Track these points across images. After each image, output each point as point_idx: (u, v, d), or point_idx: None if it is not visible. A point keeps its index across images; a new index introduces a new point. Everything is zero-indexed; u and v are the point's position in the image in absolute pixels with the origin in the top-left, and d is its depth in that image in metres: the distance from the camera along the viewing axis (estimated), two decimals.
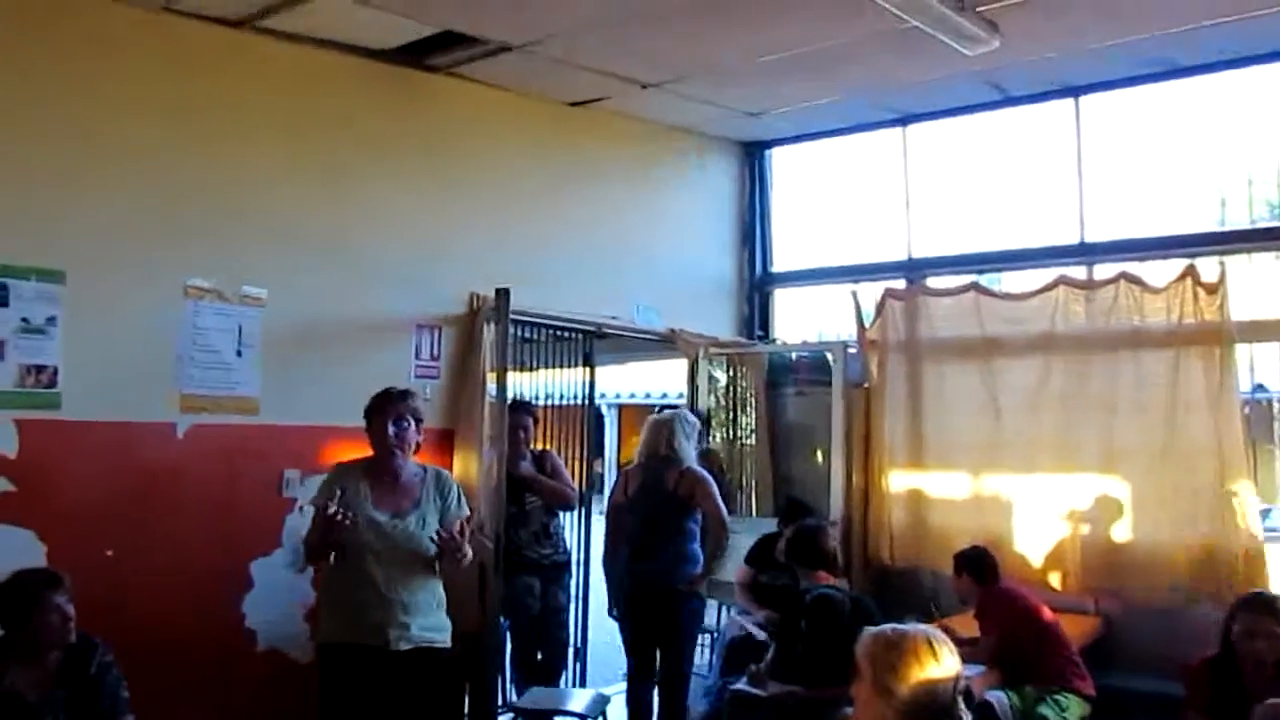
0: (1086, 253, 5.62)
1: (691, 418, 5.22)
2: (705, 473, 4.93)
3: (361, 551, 3.54)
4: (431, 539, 3.58)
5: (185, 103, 4.25)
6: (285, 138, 4.56)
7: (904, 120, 6.16)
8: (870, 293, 5.98)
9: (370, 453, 3.70)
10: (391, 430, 3.61)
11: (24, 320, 3.77)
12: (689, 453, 4.96)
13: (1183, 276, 4.96)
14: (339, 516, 3.40)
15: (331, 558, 3.60)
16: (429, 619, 3.63)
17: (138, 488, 4.06)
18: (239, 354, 4.33)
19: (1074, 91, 5.58)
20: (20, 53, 3.84)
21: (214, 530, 4.22)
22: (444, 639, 3.68)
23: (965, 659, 3.65)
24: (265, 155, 4.48)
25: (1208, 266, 4.96)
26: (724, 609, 5.90)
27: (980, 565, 4.62)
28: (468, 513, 3.78)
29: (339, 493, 3.51)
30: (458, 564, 3.60)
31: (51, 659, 3.32)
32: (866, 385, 5.84)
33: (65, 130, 3.92)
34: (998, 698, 4.16)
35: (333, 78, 4.73)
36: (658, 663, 4.84)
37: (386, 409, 3.63)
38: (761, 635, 4.76)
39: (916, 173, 6.22)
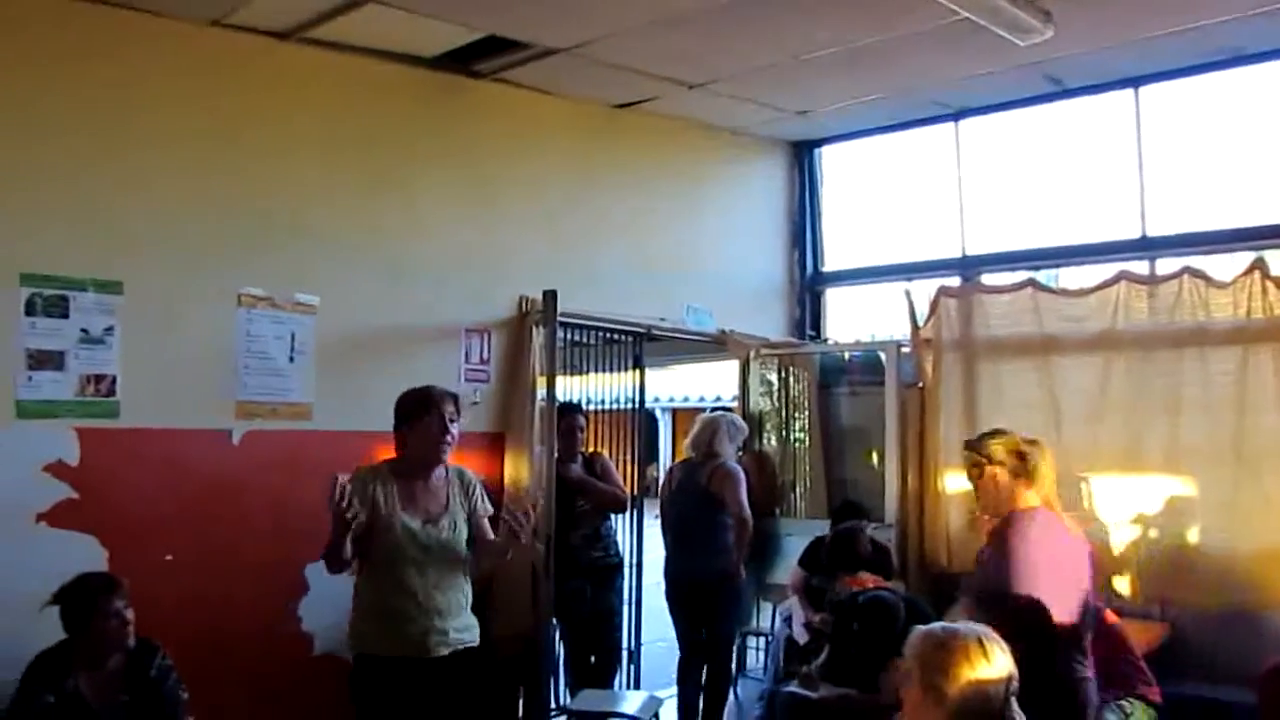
0: (1148, 247, 5.47)
1: (740, 421, 5.30)
2: (736, 469, 5.17)
3: (398, 560, 3.46)
4: (486, 535, 3.56)
5: (236, 115, 4.33)
6: (334, 146, 4.62)
7: (956, 115, 6.06)
8: (923, 291, 5.88)
9: (392, 455, 3.60)
10: (451, 428, 3.53)
11: (83, 331, 3.86)
12: (729, 453, 5.22)
13: (1250, 270, 4.79)
14: (349, 514, 3.24)
15: (354, 564, 3.49)
16: (461, 619, 3.59)
17: (195, 494, 4.13)
18: (292, 360, 4.39)
19: (1133, 82, 5.44)
20: (75, 70, 3.93)
21: (270, 535, 4.28)
22: (475, 638, 3.63)
23: None
24: (315, 164, 4.54)
25: (1276, 260, 4.80)
26: (777, 612, 5.84)
27: None
28: (492, 510, 3.71)
29: (379, 502, 3.45)
30: (516, 544, 3.51)
31: (113, 663, 3.39)
32: (920, 385, 5.73)
33: (120, 144, 4.01)
34: None
35: (379, 86, 4.79)
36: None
37: (444, 403, 3.54)
38: (802, 639, 4.71)
39: (970, 168, 6.12)
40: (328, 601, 4.40)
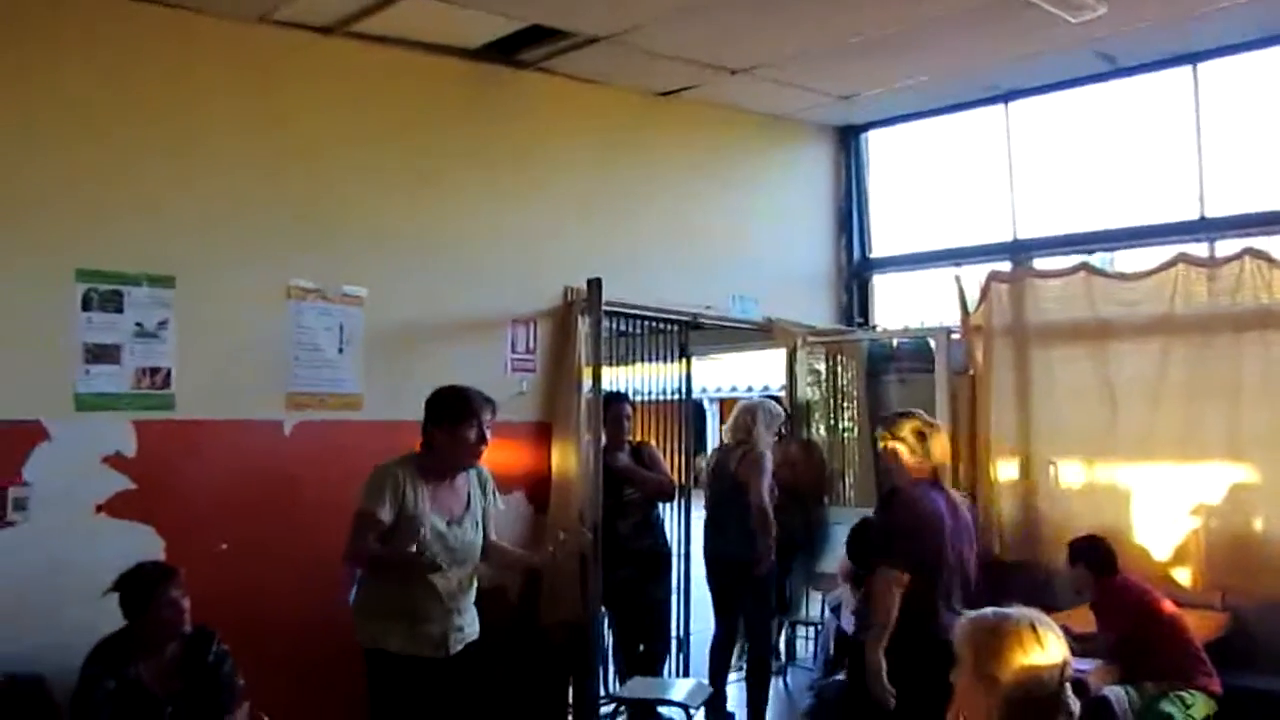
0: (1207, 228, 5.34)
1: (775, 408, 5.32)
2: (763, 456, 5.18)
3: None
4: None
5: (283, 110, 4.37)
6: (379, 139, 4.65)
7: (1005, 97, 5.95)
8: (974, 276, 5.80)
9: (414, 449, 3.62)
10: (474, 438, 3.55)
11: (138, 325, 3.93)
12: (763, 439, 5.23)
13: None
14: (424, 557, 3.33)
15: None
16: (471, 614, 3.65)
17: (248, 484, 4.19)
18: (341, 352, 4.44)
19: (1191, 58, 5.30)
20: (126, 69, 4.00)
21: (321, 524, 4.29)
22: (477, 631, 3.68)
23: (1081, 654, 3.52)
24: (360, 157, 4.58)
25: None
26: (826, 601, 5.81)
27: (1097, 555, 4.44)
28: (503, 506, 3.77)
29: (408, 501, 3.47)
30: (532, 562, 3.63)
31: (170, 649, 3.45)
32: (971, 372, 5.65)
33: (172, 141, 4.07)
34: (1115, 693, 3.98)
35: (423, 78, 4.81)
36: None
37: (477, 416, 3.55)
38: (851, 628, 4.67)
39: (1020, 151, 6.01)
40: None
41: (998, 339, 5.57)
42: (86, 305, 3.82)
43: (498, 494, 3.77)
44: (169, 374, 3.99)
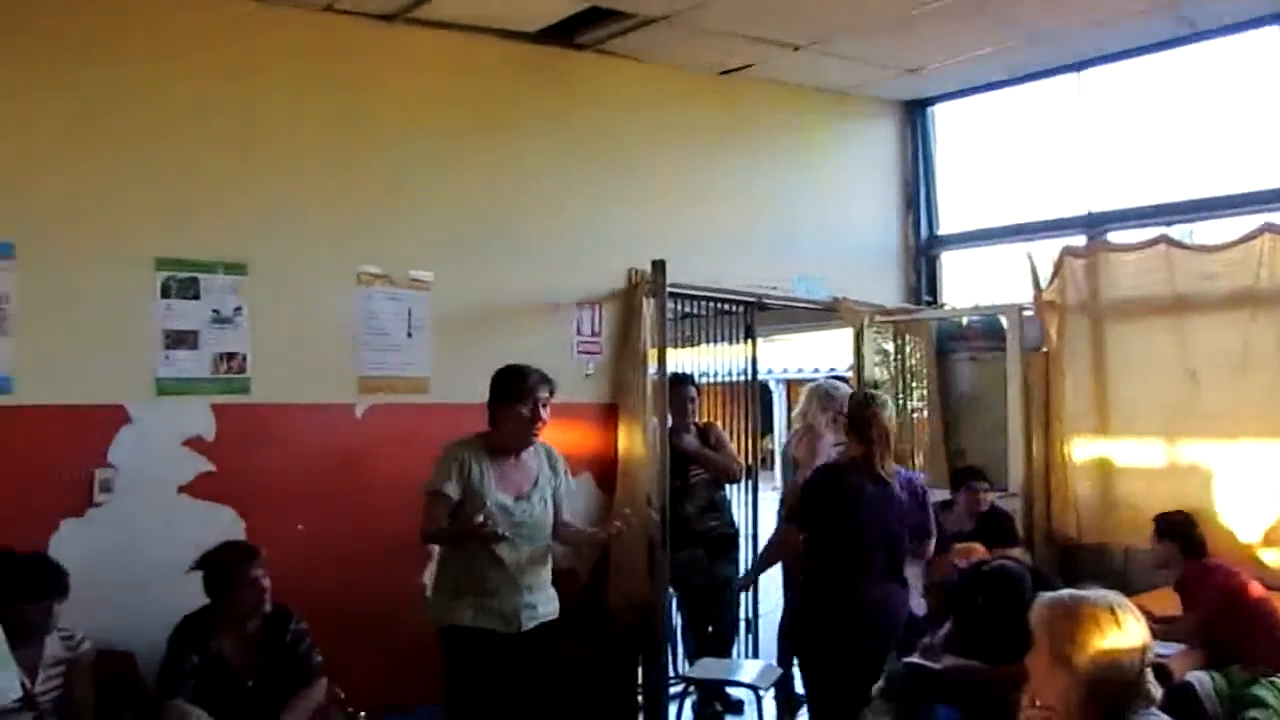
0: None
1: (833, 389, 5.32)
2: (819, 437, 5.20)
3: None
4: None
5: (349, 98, 4.43)
6: (442, 125, 4.69)
7: (1078, 65, 5.77)
8: (1046, 252, 5.66)
9: (483, 429, 3.70)
10: (530, 416, 3.60)
11: (214, 311, 4.02)
12: (820, 421, 5.26)
13: None
14: (487, 527, 3.39)
15: None
16: (546, 593, 3.69)
17: (323, 466, 4.27)
18: (409, 336, 4.50)
19: (1278, 18, 5.09)
20: (198, 62, 4.08)
21: (393, 505, 4.37)
22: (556, 611, 3.73)
23: (1163, 637, 3.44)
24: (424, 142, 4.62)
25: None
26: None
27: (1187, 533, 4.32)
28: (574, 486, 3.80)
29: (473, 477, 3.55)
30: (599, 538, 3.69)
31: (251, 627, 3.55)
32: (1045, 350, 5.53)
33: (243, 132, 4.15)
34: (1199, 679, 3.87)
35: (484, 63, 4.83)
36: None
37: (535, 392, 3.61)
38: (920, 611, 4.61)
39: (1094, 121, 5.84)
40: None
41: (1072, 315, 5.44)
42: (165, 293, 3.92)
43: (569, 475, 3.80)
44: (245, 359, 4.08)
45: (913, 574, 4.87)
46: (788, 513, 4.16)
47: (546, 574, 3.69)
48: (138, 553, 3.76)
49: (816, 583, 3.98)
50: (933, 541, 4.22)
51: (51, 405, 3.66)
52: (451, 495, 3.54)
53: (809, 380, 6.07)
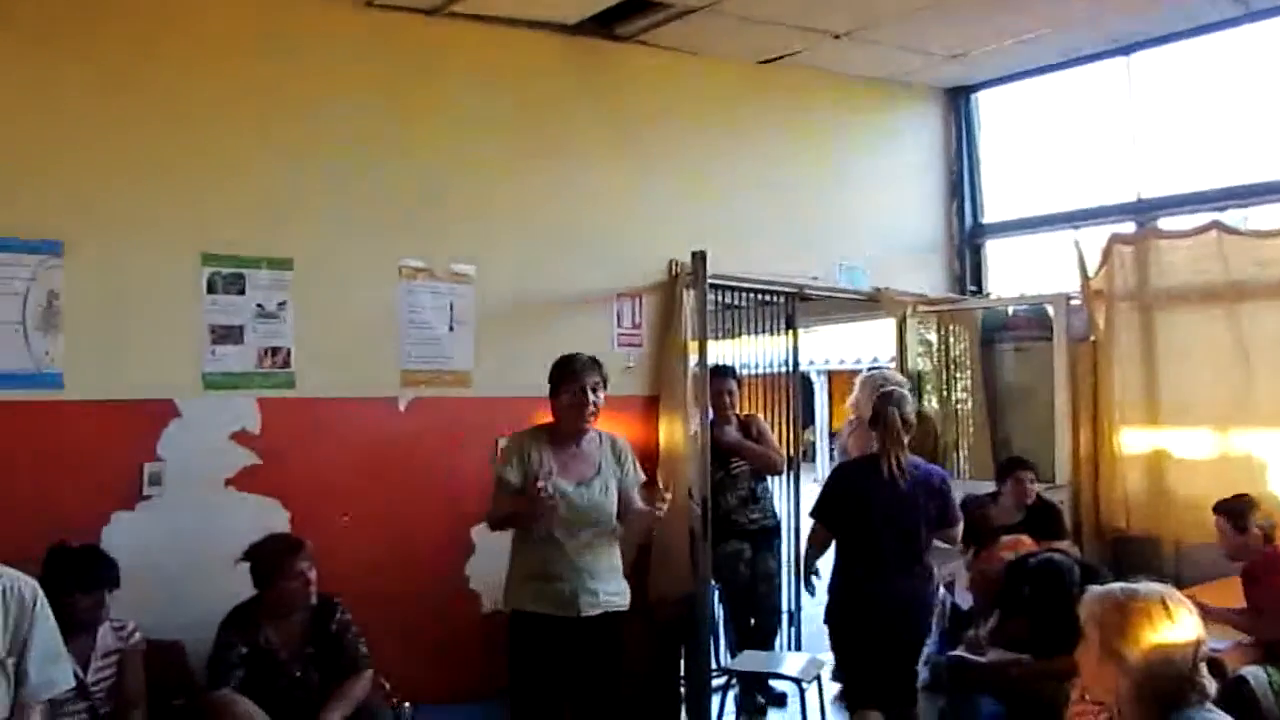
0: None
1: (881, 378, 5.29)
2: (849, 430, 5.31)
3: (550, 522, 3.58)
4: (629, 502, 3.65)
5: (390, 93, 4.46)
6: (483, 117, 4.70)
7: (1127, 49, 5.66)
8: (1094, 239, 5.56)
9: (549, 419, 3.75)
10: (588, 398, 3.63)
11: (259, 306, 4.07)
12: (864, 412, 5.02)
13: None
14: (543, 493, 3.43)
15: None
16: (611, 584, 3.68)
17: (367, 459, 4.31)
18: (451, 329, 4.52)
19: None
20: (241, 60, 4.12)
21: (437, 497, 4.44)
22: (626, 602, 3.73)
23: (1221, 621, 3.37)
24: (465, 136, 4.63)
25: None
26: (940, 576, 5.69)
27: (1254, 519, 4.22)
28: (644, 477, 3.79)
29: (533, 464, 3.57)
30: (653, 514, 3.62)
31: (297, 618, 3.59)
32: (1092, 339, 5.45)
33: (287, 128, 4.19)
34: (1254, 673, 3.78)
35: (524, 56, 4.84)
36: None
37: (582, 376, 3.64)
38: (966, 604, 4.56)
39: (1144, 105, 5.72)
40: (493, 562, 4.51)
41: (1121, 304, 5.35)
42: (211, 288, 3.97)
43: (637, 465, 3.80)
44: (289, 353, 4.13)
45: (957, 567, 4.83)
46: (813, 509, 4.31)
47: (610, 562, 3.69)
48: (186, 544, 3.82)
49: (836, 575, 4.16)
50: (959, 528, 4.27)
51: (101, 400, 3.72)
52: (512, 480, 3.61)
53: (852, 371, 6.01)
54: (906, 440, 4.08)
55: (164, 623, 3.68)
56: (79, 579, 3.32)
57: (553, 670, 3.61)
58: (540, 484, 3.45)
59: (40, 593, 2.91)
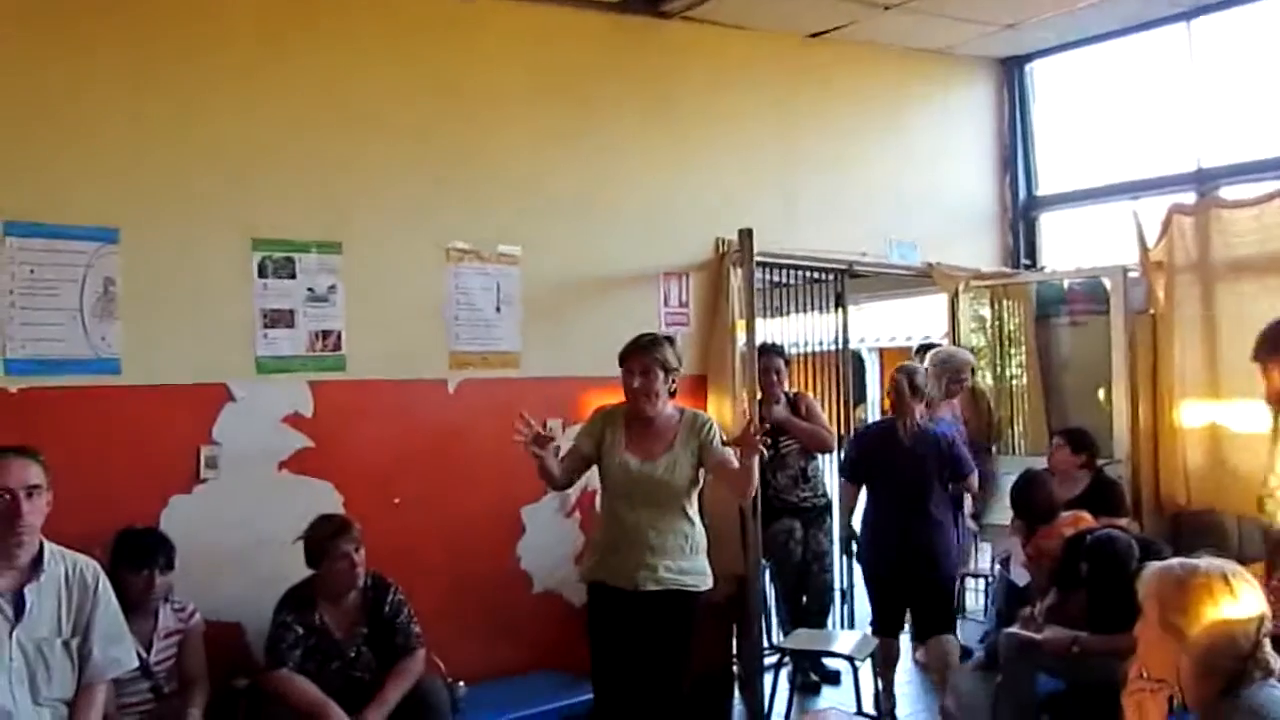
0: None
1: (942, 356, 5.23)
2: (936, 403, 5.29)
3: (614, 495, 3.67)
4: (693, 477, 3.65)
5: (435, 75, 4.46)
6: (528, 97, 4.69)
7: (1188, 14, 5.50)
8: (1153, 210, 5.42)
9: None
10: (636, 381, 3.64)
11: (310, 290, 4.10)
12: (934, 388, 5.26)
13: None
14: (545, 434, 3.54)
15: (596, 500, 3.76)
16: (679, 561, 3.61)
17: (418, 441, 4.33)
18: (499, 311, 4.53)
19: None
20: (291, 44, 4.14)
21: (487, 479, 4.45)
22: (696, 583, 3.65)
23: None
24: (511, 116, 4.63)
25: None
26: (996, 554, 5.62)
27: None
28: (730, 452, 3.72)
29: (605, 437, 3.66)
30: (750, 466, 3.58)
31: (350, 599, 3.65)
32: (1151, 312, 5.32)
33: (336, 112, 4.20)
34: None
35: (569, 34, 4.82)
36: None
37: (629, 360, 3.66)
38: (1022, 581, 4.49)
39: (1205, 72, 5.55)
40: (543, 542, 4.58)
41: (1181, 276, 5.21)
42: (262, 273, 4.01)
43: (721, 435, 3.76)
44: (339, 336, 4.16)
45: (1013, 544, 4.77)
46: (840, 469, 5.10)
47: (676, 541, 3.63)
48: (242, 527, 3.87)
49: (863, 524, 4.86)
50: (973, 478, 4.80)
51: (158, 385, 3.78)
52: (582, 448, 3.72)
53: (903, 349, 5.95)
54: (917, 406, 4.70)
55: (222, 605, 3.76)
56: (145, 559, 3.42)
57: (619, 642, 3.63)
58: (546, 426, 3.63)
59: (102, 575, 2.98)
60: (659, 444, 3.67)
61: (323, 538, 3.61)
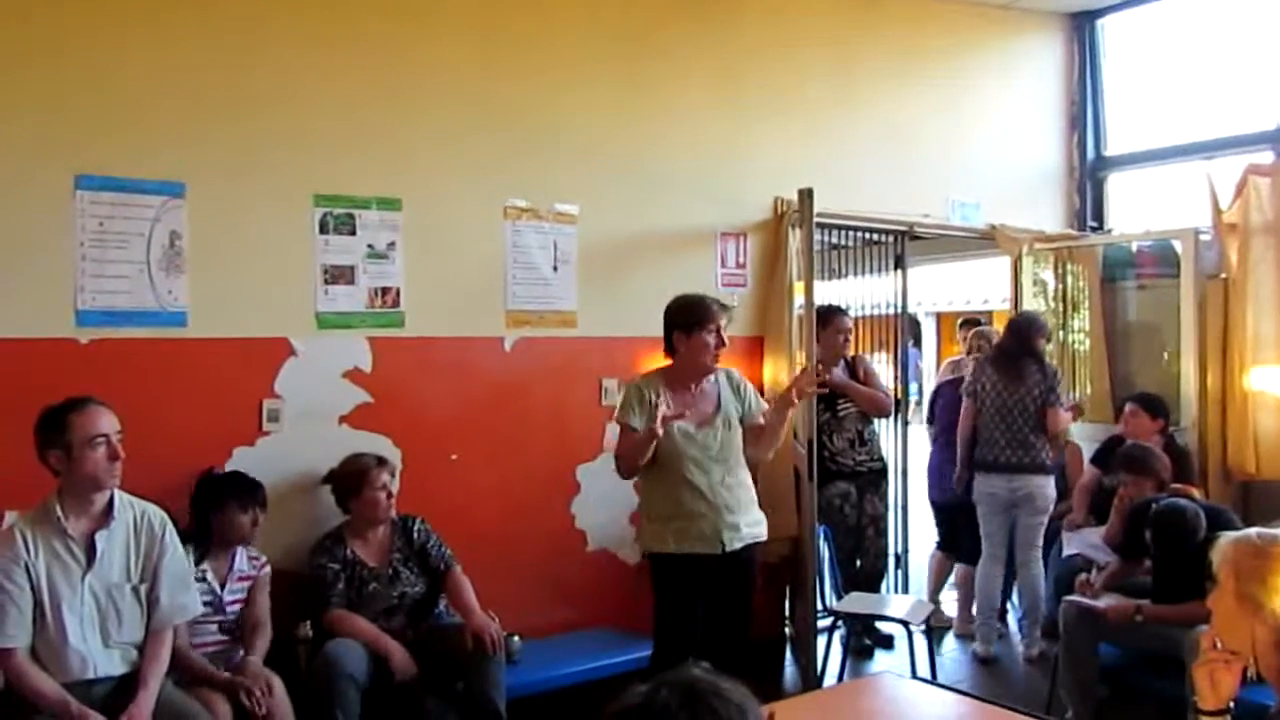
0: None
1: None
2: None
3: (681, 463, 3.59)
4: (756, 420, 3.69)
5: (494, 33, 4.41)
6: (587, 55, 4.64)
7: None
8: (1227, 171, 5.25)
9: (660, 364, 3.75)
10: (715, 340, 3.61)
11: (370, 246, 4.12)
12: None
13: None
14: (661, 423, 3.44)
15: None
16: (751, 514, 3.71)
17: (474, 398, 4.36)
18: (555, 269, 4.52)
19: None
20: (350, 6, 4.12)
21: (543, 436, 4.48)
22: (764, 532, 3.77)
23: None
24: (570, 74, 4.58)
25: None
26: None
27: None
28: (765, 405, 3.77)
29: (648, 402, 3.58)
30: (794, 401, 3.66)
31: (380, 533, 3.79)
32: (1224, 276, 5.17)
33: (398, 71, 4.18)
34: None
35: None
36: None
37: (712, 319, 3.61)
38: (1104, 558, 4.38)
39: None
40: (597, 501, 4.59)
41: (1255, 238, 5.06)
42: (323, 229, 4.04)
43: (757, 393, 3.80)
44: (399, 293, 4.18)
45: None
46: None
47: (745, 495, 3.69)
48: (305, 479, 3.93)
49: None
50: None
51: (222, 338, 3.83)
52: (636, 425, 3.61)
53: (962, 313, 5.86)
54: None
55: (286, 554, 3.83)
56: (251, 498, 3.58)
57: (697, 604, 3.63)
58: (662, 411, 3.46)
59: (169, 522, 3.06)
60: (709, 405, 3.68)
61: (365, 468, 3.74)
